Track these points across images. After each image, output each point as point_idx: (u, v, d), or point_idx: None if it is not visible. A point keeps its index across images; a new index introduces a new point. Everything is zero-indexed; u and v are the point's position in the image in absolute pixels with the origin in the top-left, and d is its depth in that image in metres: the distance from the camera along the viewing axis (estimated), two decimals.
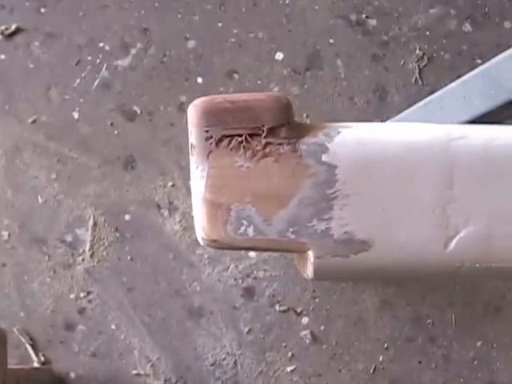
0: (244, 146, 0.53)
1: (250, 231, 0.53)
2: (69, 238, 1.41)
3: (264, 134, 0.54)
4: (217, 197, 0.53)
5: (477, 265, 0.44)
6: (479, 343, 1.41)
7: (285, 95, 0.54)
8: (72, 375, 1.39)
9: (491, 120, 1.00)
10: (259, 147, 0.54)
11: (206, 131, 0.54)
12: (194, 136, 0.54)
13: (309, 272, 0.52)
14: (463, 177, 0.44)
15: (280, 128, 0.54)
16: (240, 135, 0.54)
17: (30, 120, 1.44)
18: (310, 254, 0.50)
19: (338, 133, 0.51)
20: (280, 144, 0.54)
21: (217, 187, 0.53)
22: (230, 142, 0.54)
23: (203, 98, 0.54)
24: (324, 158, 0.51)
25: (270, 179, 0.53)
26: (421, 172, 0.45)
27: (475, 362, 1.41)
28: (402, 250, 0.46)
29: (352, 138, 0.50)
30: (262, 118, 0.54)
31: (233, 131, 0.54)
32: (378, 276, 0.50)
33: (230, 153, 0.54)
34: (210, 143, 0.54)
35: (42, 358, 1.39)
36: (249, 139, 0.54)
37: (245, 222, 0.53)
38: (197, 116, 0.54)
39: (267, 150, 0.54)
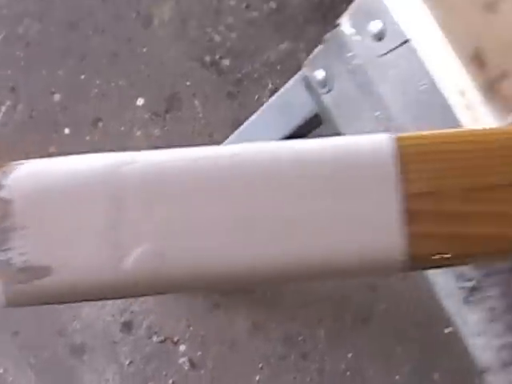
0: None
1: None
2: None
3: None
4: None
5: (156, 280, 0.51)
6: (350, 355, 1.47)
7: None
8: None
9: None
10: None
11: None
12: None
13: (1, 300, 0.58)
14: (131, 199, 0.51)
15: None
16: None
17: None
18: (0, 282, 0.57)
19: (15, 169, 0.58)
20: None
21: None
22: None
23: None
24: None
25: None
26: (90, 198, 0.52)
27: (348, 373, 1.47)
28: (79, 273, 0.52)
29: (25, 173, 0.57)
30: None
31: None
32: (68, 299, 0.56)
33: None
34: None
35: None
36: None
37: None
38: None
39: None
